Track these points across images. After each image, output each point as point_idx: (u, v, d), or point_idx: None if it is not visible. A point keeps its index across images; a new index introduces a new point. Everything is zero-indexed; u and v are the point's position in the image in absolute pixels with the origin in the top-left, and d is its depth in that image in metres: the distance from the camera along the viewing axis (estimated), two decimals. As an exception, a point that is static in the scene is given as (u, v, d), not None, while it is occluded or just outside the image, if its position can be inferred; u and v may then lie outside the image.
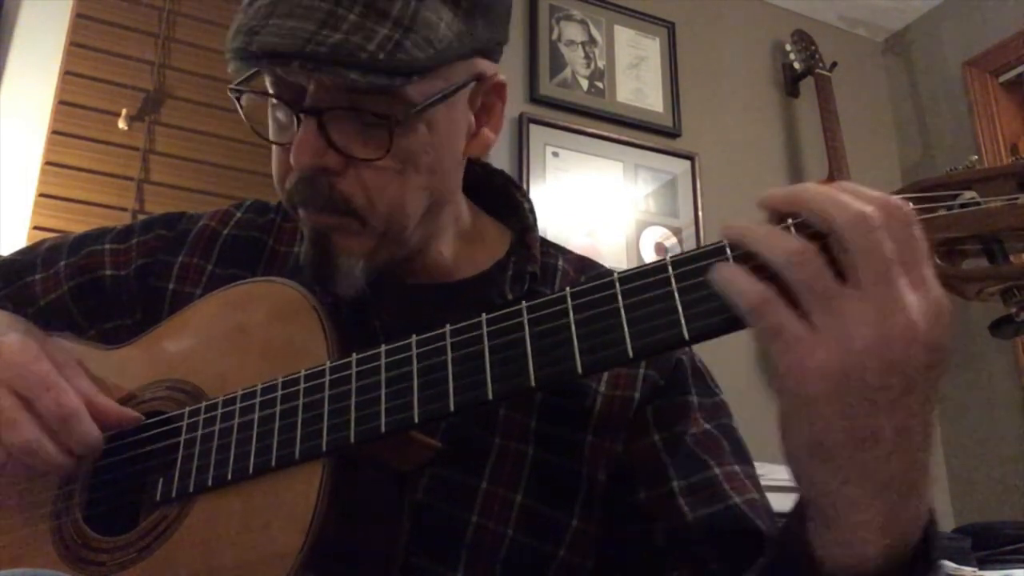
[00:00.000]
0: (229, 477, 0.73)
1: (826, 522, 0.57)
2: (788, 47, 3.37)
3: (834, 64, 3.27)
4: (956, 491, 3.12)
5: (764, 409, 3.03)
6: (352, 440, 0.68)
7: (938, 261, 0.56)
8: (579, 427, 0.84)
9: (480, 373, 0.65)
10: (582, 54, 3.01)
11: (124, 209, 2.29)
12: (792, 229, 0.58)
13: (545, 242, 0.97)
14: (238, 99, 0.80)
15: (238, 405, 0.75)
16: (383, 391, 0.69)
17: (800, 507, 0.62)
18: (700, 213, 3.00)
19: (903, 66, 3.62)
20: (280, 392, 0.73)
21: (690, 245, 2.93)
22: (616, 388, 0.86)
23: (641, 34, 3.15)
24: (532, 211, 0.96)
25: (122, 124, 2.32)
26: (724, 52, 3.32)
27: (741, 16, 3.40)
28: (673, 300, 0.60)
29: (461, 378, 0.66)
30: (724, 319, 0.59)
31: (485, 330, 0.67)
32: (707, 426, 0.87)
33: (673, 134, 3.08)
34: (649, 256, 2.88)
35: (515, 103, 2.82)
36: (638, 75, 3.08)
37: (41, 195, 2.22)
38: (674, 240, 2.95)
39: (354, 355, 0.71)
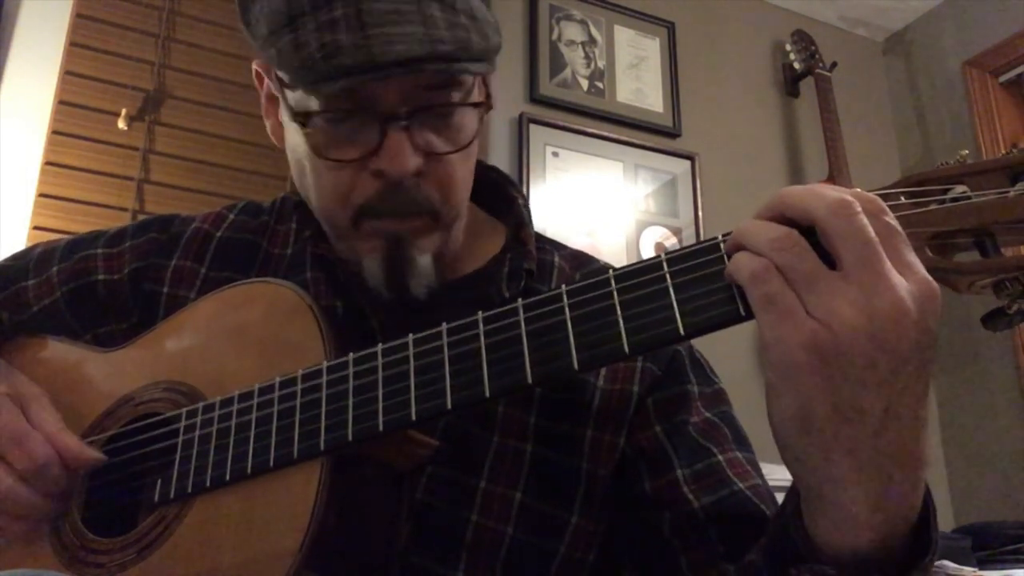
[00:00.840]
0: (227, 477, 0.73)
1: (815, 500, 0.58)
2: (788, 47, 3.37)
3: (834, 64, 3.27)
4: (956, 491, 3.12)
5: (764, 410, 3.02)
6: (350, 439, 0.69)
7: (930, 254, 0.56)
8: (578, 422, 0.84)
9: (477, 371, 0.65)
10: (582, 54, 3.01)
11: (124, 209, 2.29)
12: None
13: (541, 238, 0.98)
14: (303, 125, 0.78)
15: (236, 406, 0.75)
16: (380, 390, 0.69)
17: (794, 487, 0.62)
18: (700, 213, 2.99)
19: (903, 66, 3.61)
20: (277, 392, 0.74)
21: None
22: (615, 382, 0.86)
23: (641, 34, 3.15)
24: (527, 206, 0.97)
25: (122, 124, 2.32)
26: (724, 52, 3.31)
27: (741, 16, 3.39)
28: (668, 296, 0.61)
29: (458, 376, 0.66)
30: (719, 314, 0.59)
31: (481, 328, 0.67)
32: (707, 414, 0.87)
33: (673, 134, 3.07)
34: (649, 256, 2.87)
35: (515, 103, 2.82)
36: (638, 75, 3.08)
37: (41, 195, 2.22)
38: (674, 240, 2.95)
39: (351, 354, 0.72)
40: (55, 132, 2.27)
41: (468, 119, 0.82)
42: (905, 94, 3.58)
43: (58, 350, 0.93)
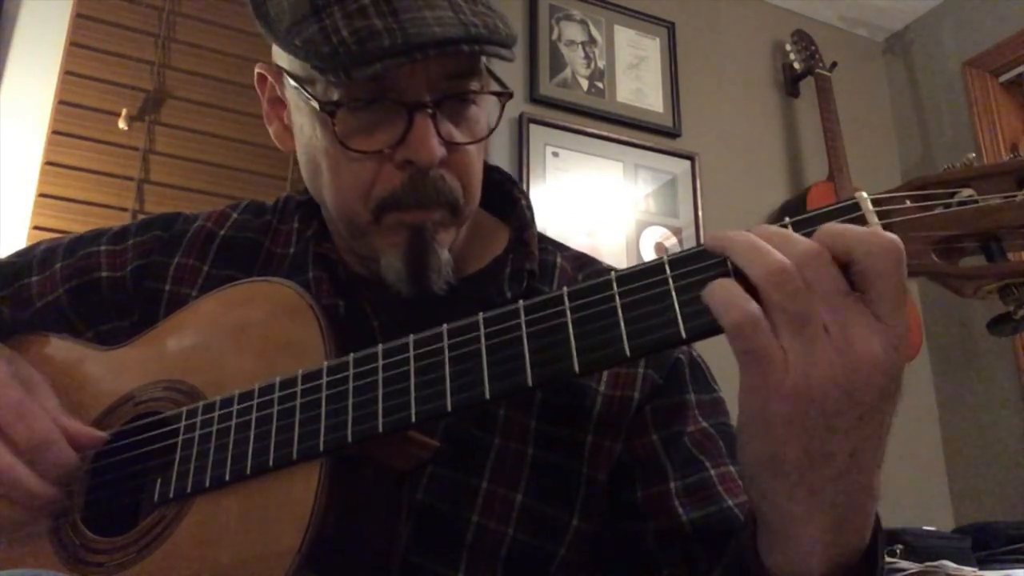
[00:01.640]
0: (227, 477, 0.73)
1: (772, 534, 0.60)
2: (788, 47, 3.37)
3: (834, 64, 3.27)
4: (956, 491, 3.12)
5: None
6: (350, 440, 0.68)
7: (935, 258, 0.56)
8: (579, 427, 0.84)
9: (477, 372, 0.65)
10: (582, 54, 3.01)
11: (124, 209, 2.29)
12: (789, 227, 0.58)
13: (543, 239, 0.98)
14: (331, 115, 0.77)
15: (236, 406, 0.75)
16: (380, 391, 0.69)
17: (751, 517, 0.64)
18: (700, 213, 2.99)
19: (903, 66, 3.61)
20: (277, 393, 0.73)
21: (690, 245, 2.91)
22: (616, 388, 0.86)
23: (641, 34, 3.15)
24: (530, 208, 0.97)
25: (122, 124, 2.32)
26: (724, 52, 3.31)
27: (741, 16, 3.39)
28: (670, 299, 0.60)
29: (458, 378, 0.66)
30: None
31: (482, 330, 0.67)
32: (704, 424, 0.87)
33: (673, 134, 3.07)
34: (649, 256, 2.88)
35: (515, 103, 2.81)
36: (638, 75, 3.08)
37: (41, 195, 2.22)
38: (674, 240, 2.95)
39: (351, 355, 0.71)
40: (55, 132, 2.27)
41: (484, 113, 0.83)
42: (905, 94, 3.58)
43: (60, 347, 0.93)
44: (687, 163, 3.05)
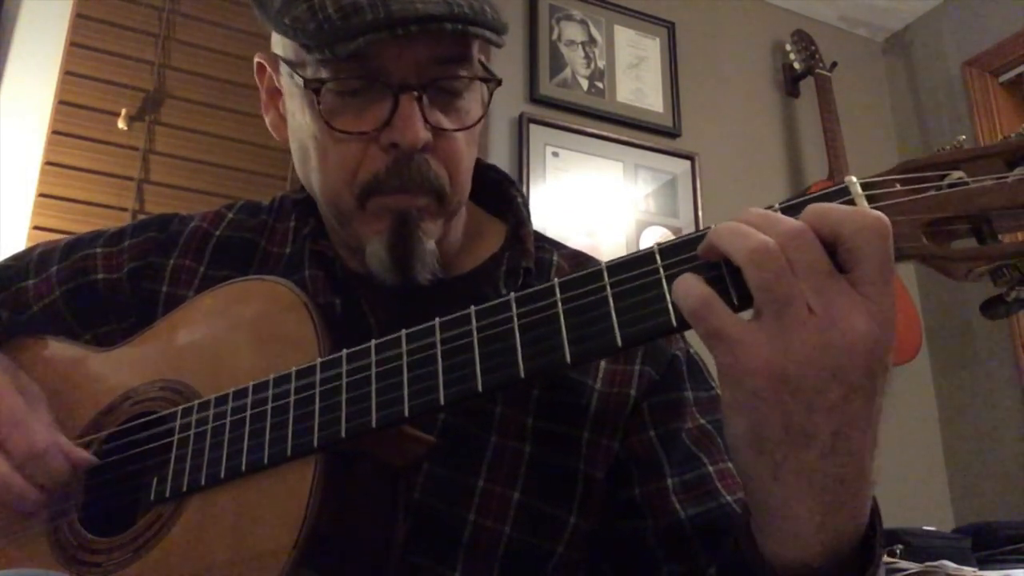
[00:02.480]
0: (222, 475, 0.73)
1: (764, 516, 0.60)
2: (788, 47, 3.37)
3: (834, 64, 3.27)
4: (956, 491, 3.12)
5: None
6: (343, 435, 0.68)
7: (926, 241, 0.56)
8: (576, 425, 0.84)
9: (469, 366, 0.65)
10: (582, 54, 3.01)
11: (124, 209, 2.29)
12: (778, 210, 0.58)
13: (540, 236, 0.97)
14: (316, 92, 0.78)
15: (230, 404, 0.75)
16: (373, 386, 0.69)
17: (745, 507, 0.64)
18: (700, 213, 3.00)
19: (903, 66, 3.61)
20: (271, 390, 0.73)
21: (690, 245, 2.92)
22: (613, 385, 0.86)
23: (641, 34, 3.15)
24: (526, 205, 0.97)
25: (122, 124, 2.32)
26: (724, 52, 3.31)
27: (741, 16, 3.40)
28: (661, 288, 0.60)
29: (450, 371, 0.66)
30: None
31: (474, 323, 0.66)
32: (702, 421, 0.87)
33: (673, 134, 3.08)
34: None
35: (515, 103, 2.82)
36: (638, 75, 3.08)
37: (41, 195, 2.22)
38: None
39: (344, 351, 0.71)
40: (55, 132, 2.27)
41: (474, 103, 0.83)
42: (905, 94, 3.58)
43: (57, 349, 0.93)
44: (687, 163, 3.05)
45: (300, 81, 0.80)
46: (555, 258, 0.96)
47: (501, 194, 0.98)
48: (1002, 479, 2.98)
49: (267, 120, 0.93)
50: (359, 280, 0.89)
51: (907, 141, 3.52)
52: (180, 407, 0.79)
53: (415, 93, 0.77)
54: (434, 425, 0.80)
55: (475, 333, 0.66)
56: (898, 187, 0.57)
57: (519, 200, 0.97)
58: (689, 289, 0.57)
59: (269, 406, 0.73)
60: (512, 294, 0.66)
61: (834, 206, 0.56)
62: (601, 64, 3.03)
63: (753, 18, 3.42)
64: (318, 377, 0.71)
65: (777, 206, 0.60)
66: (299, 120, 0.84)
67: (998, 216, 0.55)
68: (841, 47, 3.49)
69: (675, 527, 0.80)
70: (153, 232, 0.99)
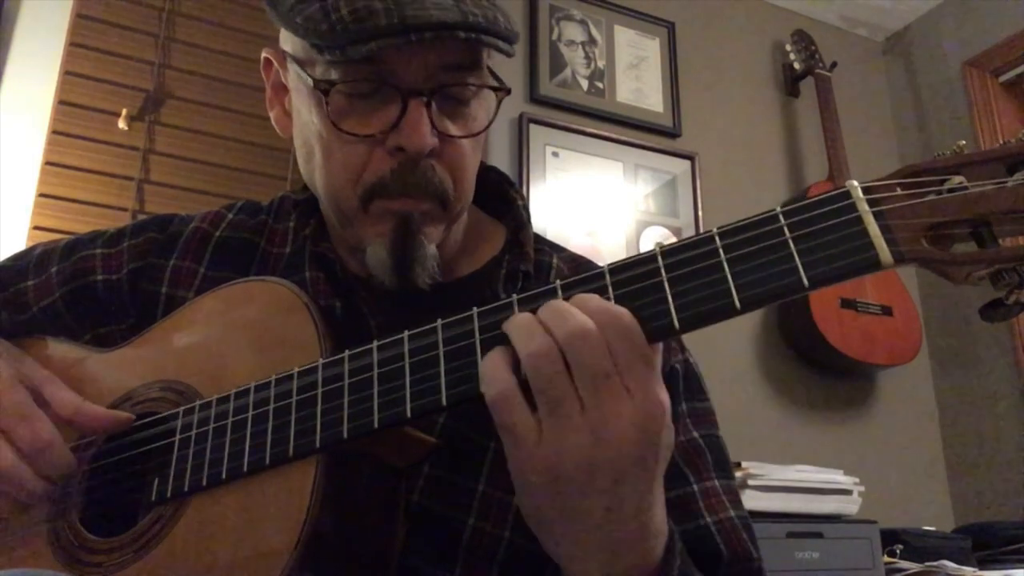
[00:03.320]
0: (223, 476, 0.73)
1: (560, 567, 0.67)
2: (788, 47, 3.37)
3: (834, 64, 3.27)
4: (956, 491, 3.12)
5: (763, 411, 3.01)
6: (345, 436, 0.68)
7: (926, 245, 0.56)
8: None
9: (472, 367, 0.65)
10: (582, 54, 3.01)
11: (124, 209, 2.29)
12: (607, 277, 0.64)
13: (539, 239, 0.98)
14: (326, 93, 0.78)
15: (231, 404, 0.75)
16: (375, 387, 0.68)
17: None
18: (700, 213, 2.99)
19: (903, 66, 3.61)
20: (273, 390, 0.73)
21: (690, 245, 2.92)
22: None
23: (641, 34, 3.15)
24: (526, 208, 0.97)
25: (122, 124, 2.32)
26: (724, 52, 3.31)
27: (741, 16, 3.39)
28: (663, 290, 0.61)
29: (453, 372, 0.66)
30: (715, 308, 0.59)
31: (476, 324, 0.66)
32: (694, 434, 0.87)
33: (673, 134, 3.07)
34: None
35: (515, 103, 2.82)
36: (638, 75, 3.08)
37: (41, 195, 2.22)
38: (674, 240, 2.94)
39: (346, 352, 0.71)
40: (55, 132, 2.27)
41: (481, 111, 0.83)
42: (905, 94, 3.58)
43: (58, 350, 0.93)
44: (687, 163, 3.05)
45: (309, 80, 0.80)
46: (554, 261, 0.96)
47: (501, 196, 0.98)
48: (1002, 479, 2.98)
49: (271, 115, 0.93)
50: (360, 282, 0.89)
51: (907, 141, 3.52)
52: (181, 407, 0.79)
53: (424, 98, 0.77)
54: (434, 429, 0.80)
55: (478, 334, 0.66)
56: (899, 191, 0.58)
57: (519, 203, 0.97)
58: (494, 375, 0.61)
59: (271, 407, 0.73)
60: (515, 295, 0.66)
61: (592, 300, 0.61)
62: (601, 64, 3.03)
63: (753, 18, 3.42)
64: (320, 377, 0.71)
65: (779, 209, 0.60)
66: (305, 118, 0.84)
67: (998, 220, 0.56)
68: (841, 47, 3.49)
69: None
70: (153, 232, 0.99)
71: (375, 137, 0.79)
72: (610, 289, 0.63)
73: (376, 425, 0.67)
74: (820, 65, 3.25)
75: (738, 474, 2.10)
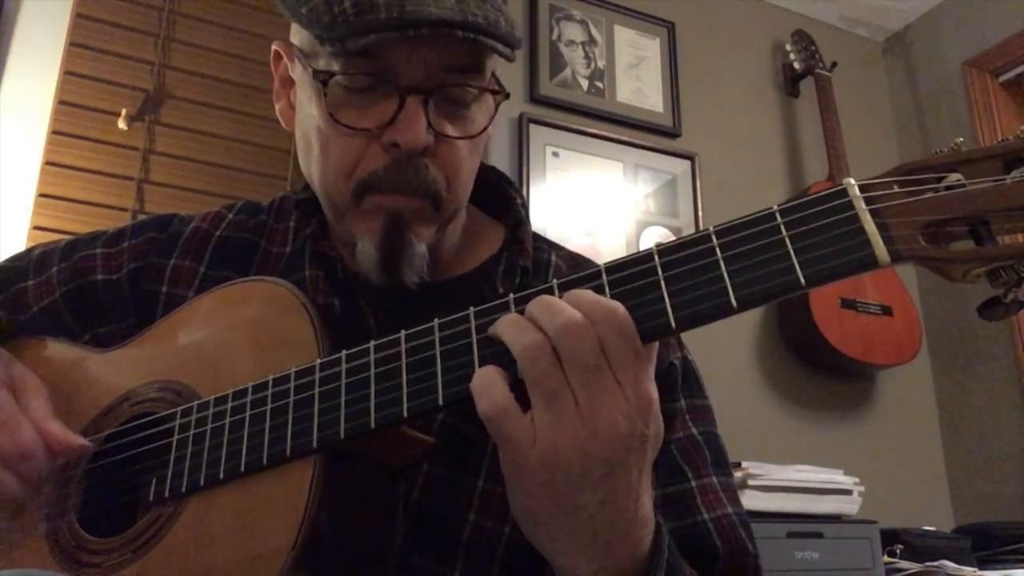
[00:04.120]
0: (221, 476, 0.73)
1: (553, 564, 0.68)
2: (788, 47, 3.36)
3: (834, 64, 3.27)
4: (956, 491, 3.12)
5: (763, 411, 3.01)
6: (342, 436, 0.68)
7: (924, 243, 0.56)
8: None
9: (468, 366, 0.65)
10: (582, 54, 3.01)
11: (124, 209, 2.29)
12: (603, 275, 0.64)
13: (538, 237, 0.98)
14: (324, 84, 0.79)
15: (229, 404, 0.75)
16: (372, 387, 0.69)
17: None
18: (700, 213, 2.99)
19: (903, 66, 3.61)
20: (271, 390, 0.73)
21: (690, 245, 2.92)
22: None
23: (641, 34, 3.15)
24: (524, 206, 0.97)
25: (122, 124, 2.32)
26: (724, 52, 3.31)
27: (741, 16, 3.39)
28: (659, 289, 0.61)
29: (450, 372, 0.66)
30: (711, 307, 0.59)
31: (473, 323, 0.66)
32: (693, 430, 0.88)
33: (673, 134, 3.07)
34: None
35: (515, 103, 2.82)
36: (638, 75, 3.08)
37: (41, 195, 2.22)
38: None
39: (344, 352, 0.71)
40: (55, 132, 2.27)
41: (480, 113, 0.84)
42: (905, 94, 3.58)
43: (57, 350, 0.93)
44: (687, 163, 3.05)
45: (310, 71, 0.80)
46: (553, 259, 0.96)
47: (500, 195, 0.99)
48: (1002, 479, 2.98)
49: (277, 108, 0.94)
50: (359, 281, 0.89)
51: (907, 141, 3.52)
52: (179, 408, 0.79)
53: (421, 96, 0.78)
54: (432, 426, 0.80)
55: (474, 333, 0.66)
56: (896, 189, 0.57)
57: (518, 202, 0.97)
58: (486, 389, 0.62)
59: (268, 406, 0.73)
60: (511, 295, 0.66)
61: (584, 294, 0.62)
62: (601, 64, 3.03)
63: (753, 18, 3.42)
64: (317, 377, 0.71)
65: (775, 208, 0.60)
66: (306, 110, 0.84)
67: (995, 218, 0.55)
68: (841, 47, 3.49)
69: None
70: (153, 232, 0.99)
71: (371, 131, 0.79)
72: (606, 288, 0.63)
73: (373, 425, 0.67)
74: (820, 65, 3.25)
75: (738, 474, 2.10)
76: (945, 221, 0.56)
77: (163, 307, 0.93)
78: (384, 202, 0.81)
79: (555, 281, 0.65)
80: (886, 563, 2.21)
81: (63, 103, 2.30)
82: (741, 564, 0.82)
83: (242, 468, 0.72)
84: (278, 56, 0.93)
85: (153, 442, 0.79)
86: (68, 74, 2.32)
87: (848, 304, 2.87)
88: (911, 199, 0.56)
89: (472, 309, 0.67)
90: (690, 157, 3.05)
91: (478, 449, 0.82)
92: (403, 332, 0.69)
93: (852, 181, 0.58)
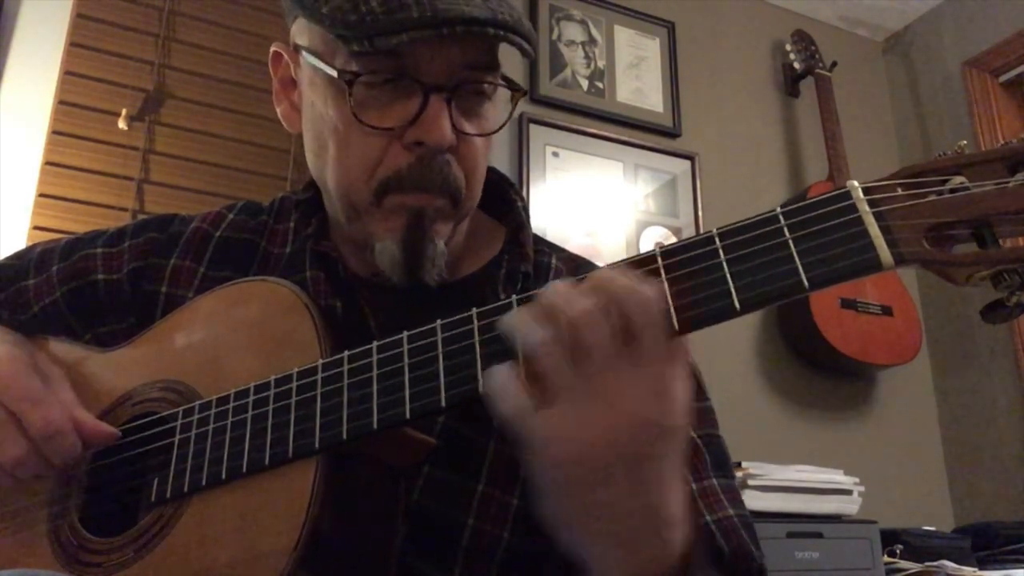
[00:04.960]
0: (223, 476, 0.73)
1: (583, 565, 0.65)
2: (788, 47, 3.36)
3: (834, 64, 3.27)
4: (956, 491, 3.12)
5: (763, 410, 3.01)
6: (344, 437, 0.68)
7: (927, 246, 0.56)
8: None
9: (471, 367, 0.65)
10: (582, 54, 3.01)
11: (124, 209, 2.29)
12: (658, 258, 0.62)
13: (538, 239, 0.98)
14: (349, 84, 0.78)
15: (231, 404, 0.75)
16: (375, 387, 0.68)
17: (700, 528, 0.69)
18: (700, 213, 2.99)
19: (903, 66, 3.61)
20: (273, 391, 0.73)
21: (690, 245, 2.92)
22: None
23: (641, 34, 3.15)
24: (525, 209, 0.97)
25: (122, 124, 2.32)
26: (724, 52, 3.31)
27: (741, 16, 3.39)
28: (661, 291, 0.60)
29: (452, 373, 0.66)
30: (713, 310, 0.59)
31: (476, 324, 0.66)
32: (692, 434, 0.87)
33: (673, 134, 3.07)
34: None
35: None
36: (638, 75, 3.08)
37: (41, 195, 2.22)
38: (674, 240, 2.94)
39: (346, 352, 0.71)
40: (55, 132, 2.26)
41: (496, 110, 0.85)
42: (905, 94, 3.58)
43: (58, 350, 0.93)
44: (687, 163, 3.05)
45: (330, 72, 0.80)
46: (553, 261, 0.96)
47: (501, 197, 0.98)
48: (1002, 479, 2.98)
49: (279, 110, 0.93)
50: (361, 282, 0.89)
51: (907, 141, 3.52)
52: (181, 408, 0.79)
53: (445, 94, 0.78)
54: (433, 429, 0.80)
55: (476, 334, 0.66)
56: (899, 192, 0.57)
57: (519, 203, 0.97)
58: (504, 390, 0.60)
59: (270, 407, 0.73)
60: (514, 297, 0.66)
61: (616, 278, 0.59)
62: (601, 64, 3.03)
63: (753, 18, 3.42)
64: (320, 378, 0.71)
65: (779, 210, 0.60)
66: (319, 111, 0.83)
67: (999, 221, 0.55)
68: (841, 47, 3.49)
69: None
70: (153, 232, 0.99)
71: (393, 131, 0.79)
72: None
73: (375, 426, 0.67)
74: (820, 65, 3.25)
75: (738, 474, 2.10)
76: (949, 224, 0.56)
77: (162, 307, 0.93)
78: (407, 201, 0.81)
79: (558, 282, 0.65)
80: (886, 563, 2.21)
81: (63, 103, 2.29)
82: (745, 567, 0.82)
83: (244, 468, 0.72)
84: (278, 57, 0.92)
85: (155, 442, 0.80)
86: (68, 74, 2.31)
87: (848, 304, 2.87)
88: (915, 202, 0.56)
89: (475, 310, 0.67)
90: (690, 157, 3.05)
91: (479, 453, 0.82)
92: (405, 333, 0.69)
93: (856, 183, 0.58)
